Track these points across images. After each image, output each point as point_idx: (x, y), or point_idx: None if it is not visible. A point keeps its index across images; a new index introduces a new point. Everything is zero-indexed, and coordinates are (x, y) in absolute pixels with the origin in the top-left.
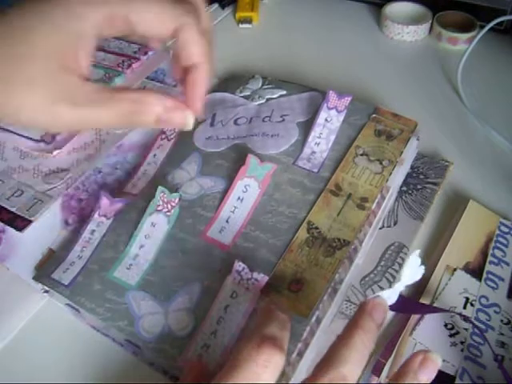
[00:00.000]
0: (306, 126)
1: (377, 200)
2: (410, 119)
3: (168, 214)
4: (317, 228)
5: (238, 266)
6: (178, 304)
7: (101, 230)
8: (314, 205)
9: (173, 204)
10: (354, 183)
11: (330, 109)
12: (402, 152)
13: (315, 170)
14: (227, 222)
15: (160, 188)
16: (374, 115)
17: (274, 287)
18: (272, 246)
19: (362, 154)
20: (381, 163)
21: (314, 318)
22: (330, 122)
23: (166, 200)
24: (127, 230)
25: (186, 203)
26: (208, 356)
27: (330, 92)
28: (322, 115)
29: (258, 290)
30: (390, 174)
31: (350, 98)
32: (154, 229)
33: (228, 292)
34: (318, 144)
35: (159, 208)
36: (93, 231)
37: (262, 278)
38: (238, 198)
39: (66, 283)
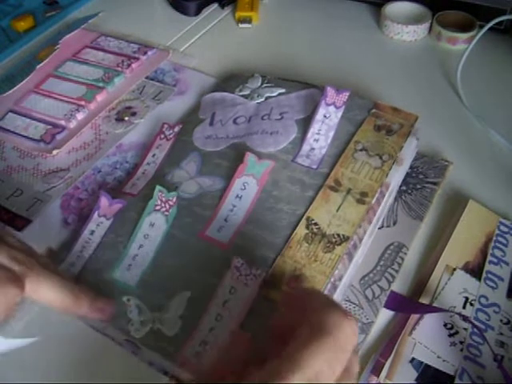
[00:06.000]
0: (305, 123)
1: (377, 195)
2: (410, 113)
3: (166, 213)
4: (316, 224)
5: (237, 261)
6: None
7: (100, 231)
8: (313, 201)
9: (171, 203)
10: (353, 178)
11: (328, 105)
12: (402, 146)
13: (314, 167)
14: (226, 220)
15: (158, 187)
16: (373, 110)
17: (273, 284)
18: (271, 243)
19: (361, 149)
20: (380, 158)
21: None
22: (328, 119)
23: (164, 199)
24: (126, 231)
25: (185, 202)
26: (205, 352)
27: (328, 88)
28: (321, 111)
29: (257, 285)
30: (390, 168)
31: (347, 94)
32: (153, 228)
33: (226, 288)
34: (317, 140)
35: (157, 207)
36: (92, 232)
37: (260, 273)
38: (237, 196)
39: None
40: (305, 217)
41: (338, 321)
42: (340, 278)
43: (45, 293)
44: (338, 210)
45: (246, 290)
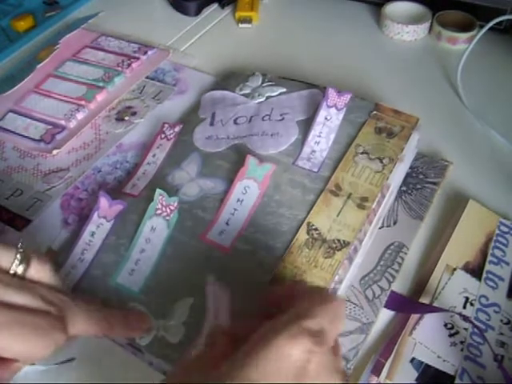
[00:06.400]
0: (306, 125)
1: (377, 199)
2: (411, 115)
3: (167, 218)
4: (316, 229)
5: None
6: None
7: (101, 233)
8: (314, 205)
9: (172, 208)
10: (354, 182)
11: (329, 107)
12: (402, 149)
13: (315, 170)
14: (227, 224)
15: (158, 191)
16: (374, 112)
17: None
18: (272, 248)
19: (362, 153)
20: (381, 161)
21: None
22: (329, 121)
23: (164, 203)
24: (128, 233)
25: (187, 205)
26: None
27: (330, 89)
28: (322, 113)
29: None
30: (391, 171)
31: (349, 96)
32: (154, 233)
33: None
34: (318, 143)
35: (158, 212)
36: (93, 233)
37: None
38: (238, 200)
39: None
40: (305, 222)
41: (333, 296)
42: (340, 282)
43: (81, 327)
44: (338, 215)
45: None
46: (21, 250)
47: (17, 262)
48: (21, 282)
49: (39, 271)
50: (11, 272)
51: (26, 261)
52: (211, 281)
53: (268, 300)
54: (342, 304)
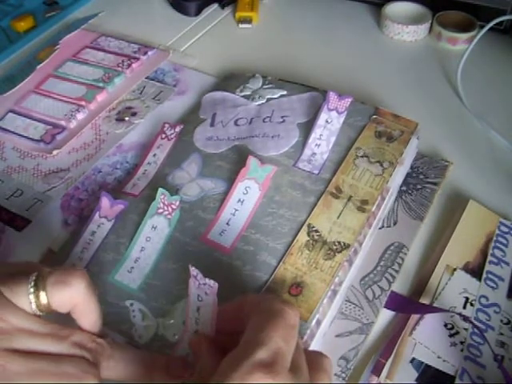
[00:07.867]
0: (307, 127)
1: (377, 202)
2: (411, 120)
3: (169, 216)
4: (317, 231)
5: (192, 270)
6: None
7: (101, 232)
8: (315, 207)
9: (173, 207)
10: (354, 185)
11: (330, 110)
12: (402, 153)
13: (316, 172)
14: (228, 224)
15: (160, 190)
16: (374, 116)
17: (274, 291)
18: (272, 249)
19: (362, 156)
20: (381, 165)
21: (314, 321)
22: (330, 124)
23: (166, 202)
24: (128, 232)
25: (187, 205)
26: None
27: (331, 93)
28: (323, 116)
29: (215, 294)
30: (391, 175)
31: (350, 99)
32: (155, 231)
33: (195, 295)
34: (319, 145)
35: (160, 211)
36: (93, 232)
37: (214, 284)
38: (239, 200)
39: None
40: (306, 224)
41: (282, 305)
42: (340, 284)
43: (116, 371)
44: (338, 217)
45: (208, 299)
46: (32, 283)
47: (32, 298)
48: (50, 329)
49: (61, 301)
50: (33, 311)
51: (39, 293)
52: (194, 271)
53: (219, 322)
54: (294, 314)
